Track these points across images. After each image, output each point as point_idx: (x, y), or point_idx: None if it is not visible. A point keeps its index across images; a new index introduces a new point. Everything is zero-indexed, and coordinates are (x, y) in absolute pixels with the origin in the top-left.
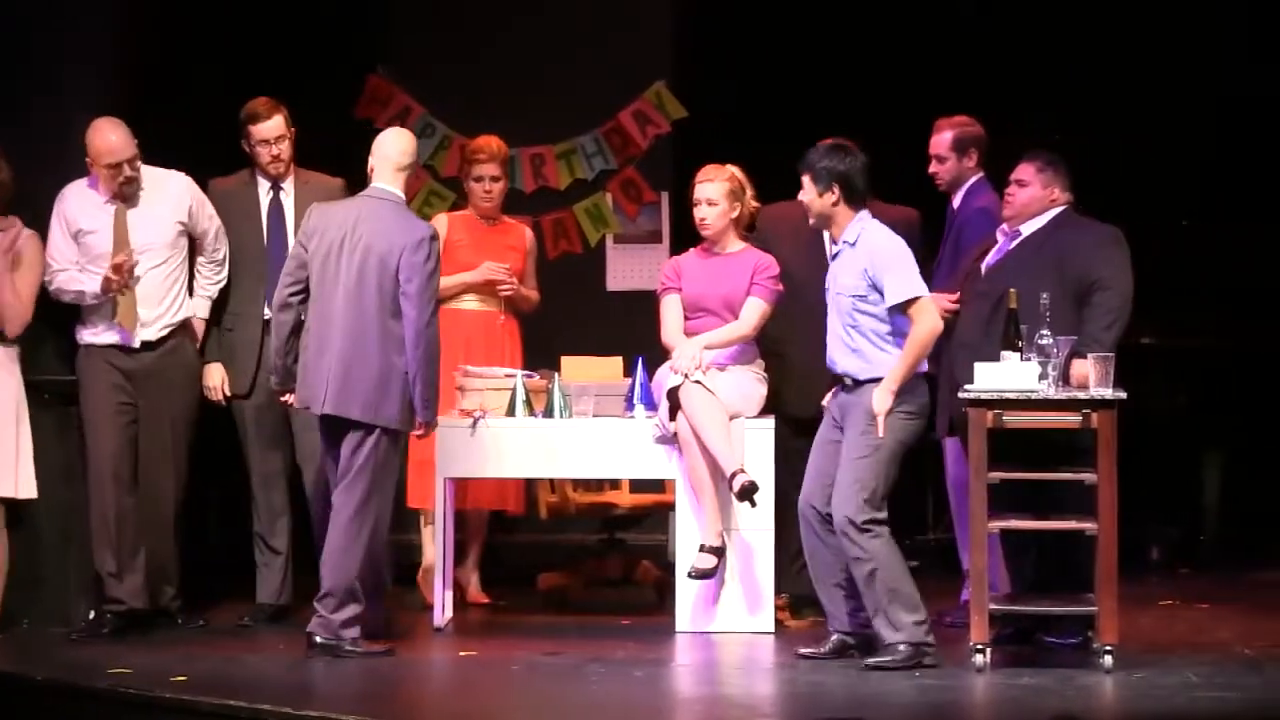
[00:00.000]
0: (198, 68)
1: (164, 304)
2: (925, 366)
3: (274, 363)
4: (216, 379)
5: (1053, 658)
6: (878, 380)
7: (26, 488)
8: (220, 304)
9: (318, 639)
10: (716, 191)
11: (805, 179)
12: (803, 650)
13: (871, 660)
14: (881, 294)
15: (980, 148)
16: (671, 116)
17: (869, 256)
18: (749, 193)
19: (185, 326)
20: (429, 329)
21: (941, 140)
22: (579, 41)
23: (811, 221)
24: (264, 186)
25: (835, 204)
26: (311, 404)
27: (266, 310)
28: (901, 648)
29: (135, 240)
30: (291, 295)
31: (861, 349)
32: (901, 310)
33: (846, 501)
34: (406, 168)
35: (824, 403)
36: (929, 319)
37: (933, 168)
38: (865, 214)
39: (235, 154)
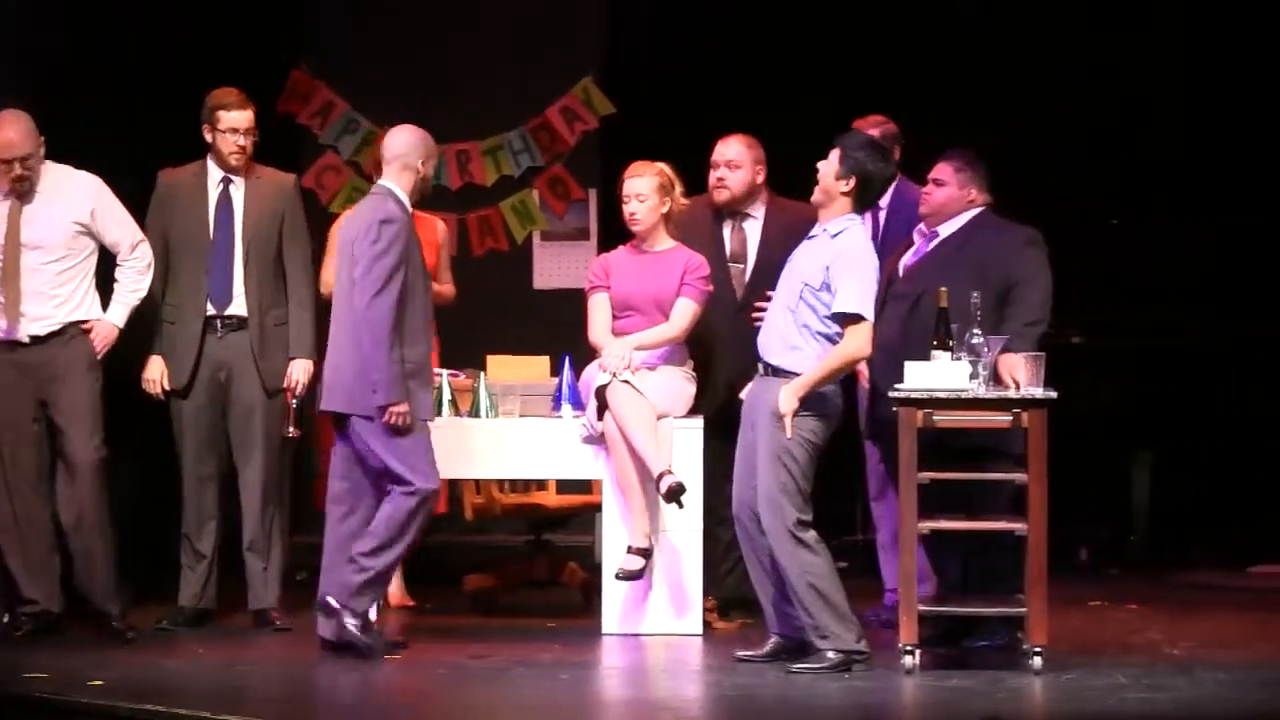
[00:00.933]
0: (115, 62)
1: (53, 303)
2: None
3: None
4: (155, 371)
5: (982, 659)
6: (791, 376)
7: None
8: (161, 296)
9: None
10: (646, 186)
11: (836, 153)
12: (741, 653)
13: (797, 665)
14: (833, 295)
15: (900, 146)
16: (600, 113)
17: (838, 255)
18: (678, 189)
19: (83, 327)
20: (369, 311)
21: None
22: (506, 37)
23: (815, 197)
24: (214, 179)
25: (846, 193)
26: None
27: (209, 305)
28: (830, 654)
29: (26, 236)
30: None
31: (788, 336)
32: (840, 321)
33: (775, 511)
34: (410, 165)
35: (741, 395)
36: (860, 342)
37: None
38: (860, 219)
39: (159, 149)
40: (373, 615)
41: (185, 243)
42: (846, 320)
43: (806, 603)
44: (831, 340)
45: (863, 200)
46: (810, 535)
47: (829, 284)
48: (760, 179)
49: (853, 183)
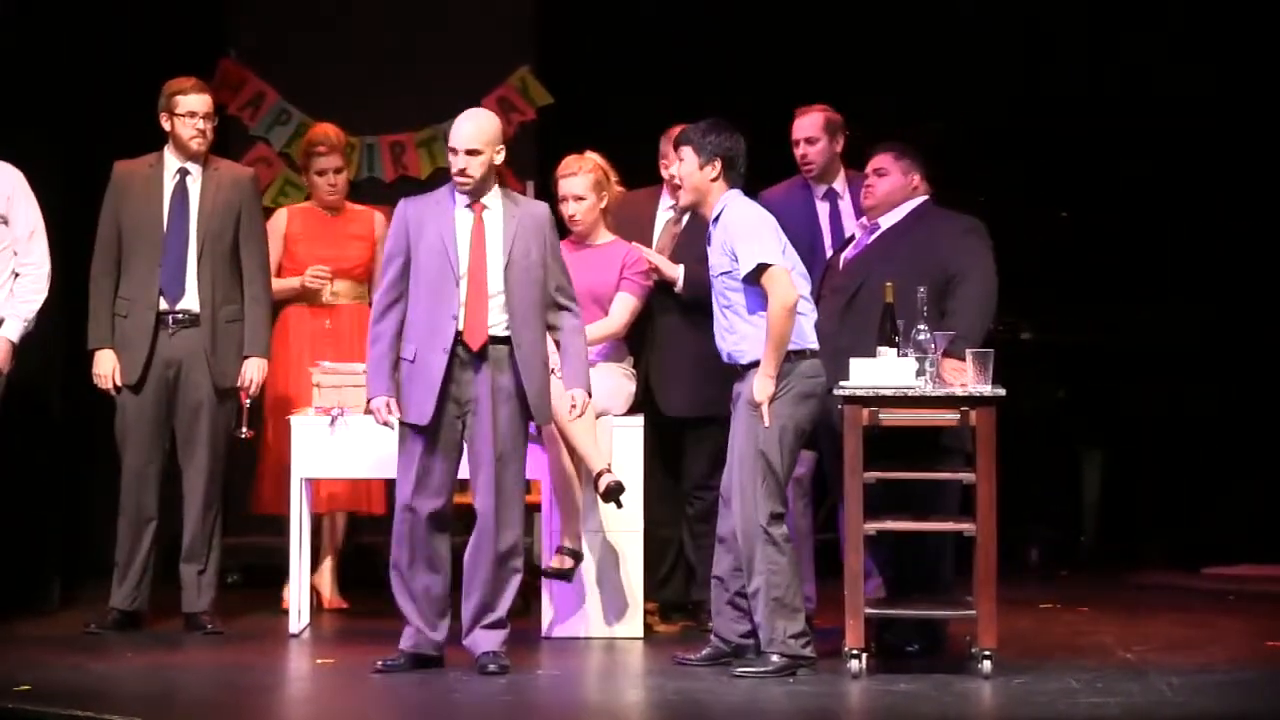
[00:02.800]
0: (36, 51)
1: None
2: (808, 342)
3: None
4: (107, 366)
5: (932, 663)
6: (754, 364)
7: None
8: (114, 289)
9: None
10: (582, 185)
11: (686, 151)
12: (679, 657)
13: (742, 669)
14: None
15: (845, 135)
16: (537, 103)
17: (726, 229)
18: (613, 179)
19: None
20: None
21: (813, 121)
22: (441, 25)
23: (683, 200)
24: (170, 170)
25: (715, 179)
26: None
27: (162, 300)
28: (775, 658)
29: None
30: None
31: (735, 327)
32: (755, 281)
33: (748, 505)
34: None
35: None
36: (779, 289)
37: (801, 150)
38: (734, 192)
39: (85, 139)
40: (304, 620)
41: (138, 235)
42: (759, 276)
43: (762, 602)
44: (764, 310)
45: (733, 174)
46: (780, 532)
47: (734, 256)
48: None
49: (718, 165)
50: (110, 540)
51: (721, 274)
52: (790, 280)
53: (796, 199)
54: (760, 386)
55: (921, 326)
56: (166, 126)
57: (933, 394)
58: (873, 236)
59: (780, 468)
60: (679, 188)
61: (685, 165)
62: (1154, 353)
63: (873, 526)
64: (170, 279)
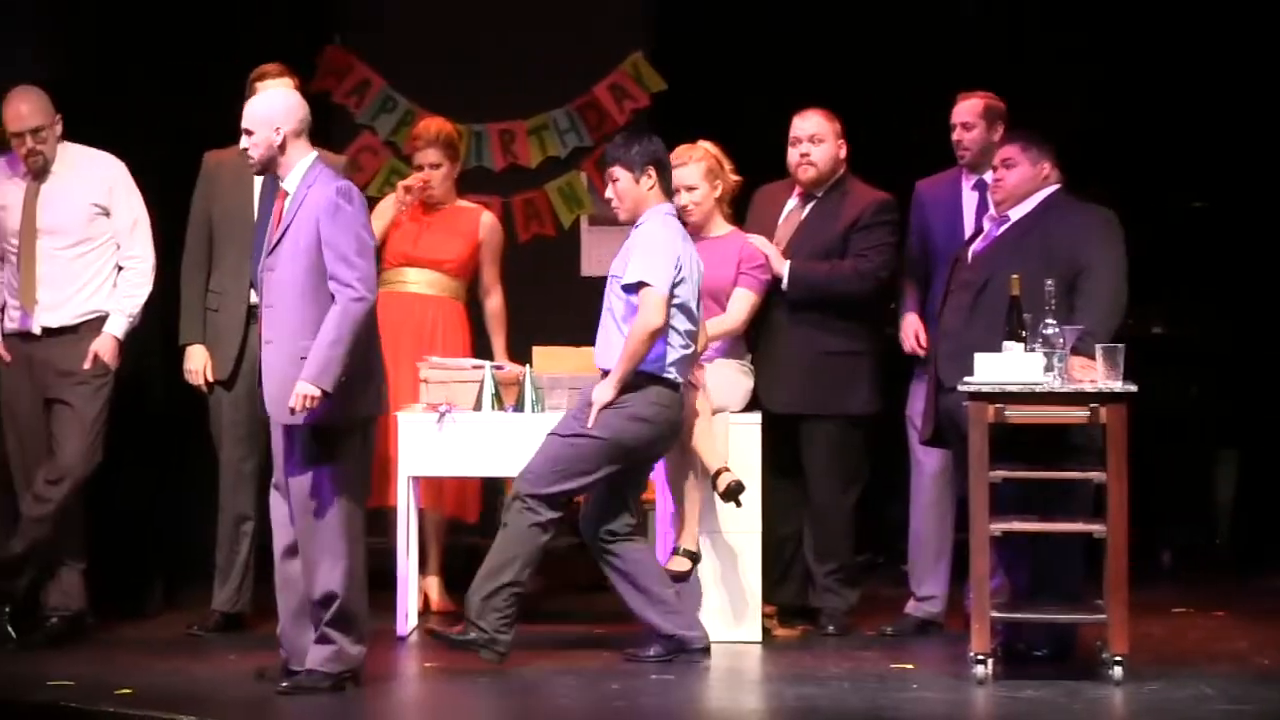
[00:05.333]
0: (144, 40)
1: (69, 291)
2: (666, 372)
3: None
4: (198, 362)
5: (1060, 669)
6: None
7: None
8: (205, 282)
9: None
10: (695, 175)
11: (619, 170)
12: (630, 651)
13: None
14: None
15: (1005, 124)
16: (650, 89)
17: (635, 240)
18: (727, 167)
19: (97, 325)
20: None
21: (971, 106)
22: (552, 10)
23: (622, 216)
24: None
25: (651, 188)
26: None
27: (253, 293)
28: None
29: (43, 220)
30: None
31: (608, 332)
32: (634, 292)
33: (531, 475)
34: None
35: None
36: (648, 311)
37: (957, 135)
38: (665, 208)
39: (189, 129)
40: (412, 623)
41: (229, 227)
42: (636, 289)
43: (488, 568)
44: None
45: (665, 177)
46: (537, 516)
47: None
48: (844, 153)
49: (652, 173)
50: (212, 541)
51: (614, 276)
52: (662, 307)
53: (946, 189)
54: (602, 391)
55: (1050, 320)
56: None
57: (1061, 390)
58: (1001, 229)
59: (580, 472)
60: (814, 175)
61: (622, 184)
62: None
63: (999, 527)
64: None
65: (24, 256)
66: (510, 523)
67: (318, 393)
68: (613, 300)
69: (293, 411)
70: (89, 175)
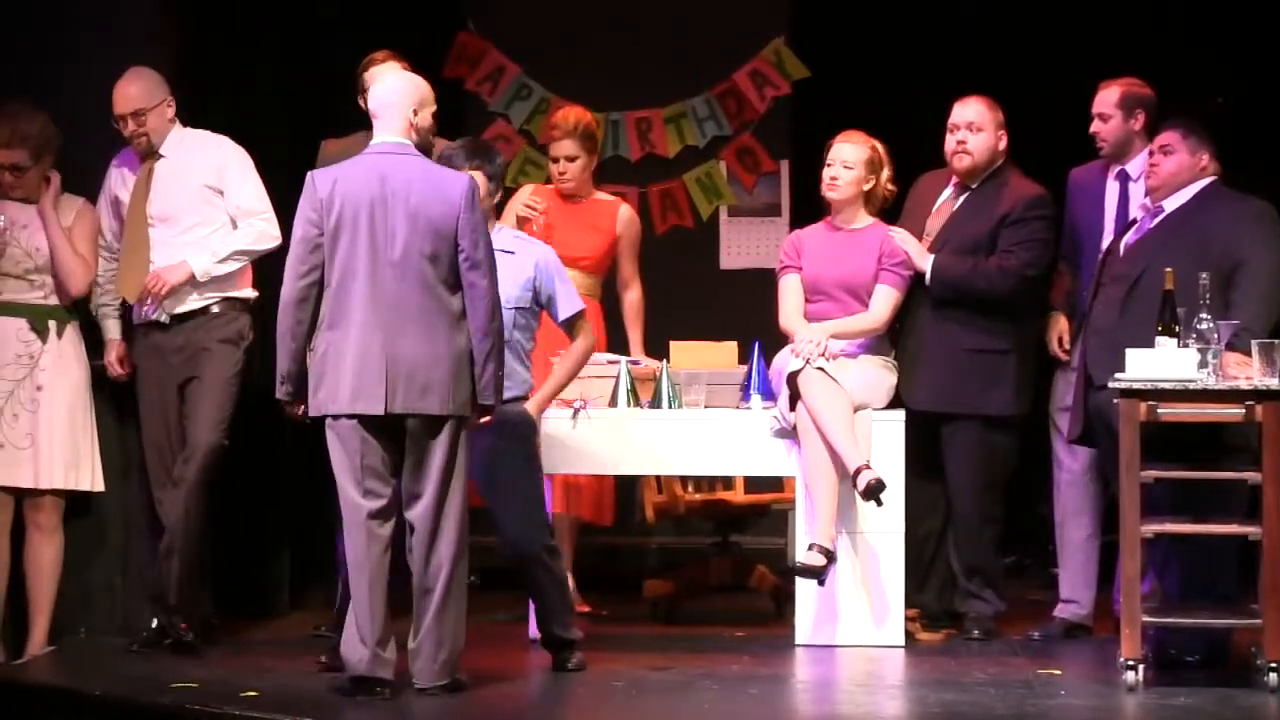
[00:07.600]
0: (273, 28)
1: None
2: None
3: (288, 370)
4: None
5: (1213, 676)
6: (519, 399)
7: (98, 480)
8: None
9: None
10: (855, 155)
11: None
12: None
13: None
14: (545, 305)
15: (1148, 111)
16: (792, 77)
17: (536, 265)
18: (887, 172)
19: (225, 305)
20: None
21: (1109, 96)
22: None
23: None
24: None
25: (495, 202)
26: (369, 406)
27: None
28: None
29: (154, 207)
30: (310, 286)
31: (513, 370)
32: (571, 328)
33: (534, 527)
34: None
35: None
36: (590, 336)
37: (1095, 126)
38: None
39: (314, 115)
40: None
41: None
42: (576, 323)
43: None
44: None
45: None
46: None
47: (539, 296)
48: (1003, 144)
49: (499, 192)
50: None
51: (515, 309)
52: (591, 325)
53: (1089, 179)
54: (536, 407)
55: (1204, 316)
56: (362, 104)
57: (1215, 387)
58: (1155, 220)
59: (540, 481)
60: (969, 164)
61: (526, 206)
62: None
63: (1151, 529)
64: None
65: (134, 243)
66: (553, 569)
67: None
68: (513, 333)
69: None
70: (199, 157)
